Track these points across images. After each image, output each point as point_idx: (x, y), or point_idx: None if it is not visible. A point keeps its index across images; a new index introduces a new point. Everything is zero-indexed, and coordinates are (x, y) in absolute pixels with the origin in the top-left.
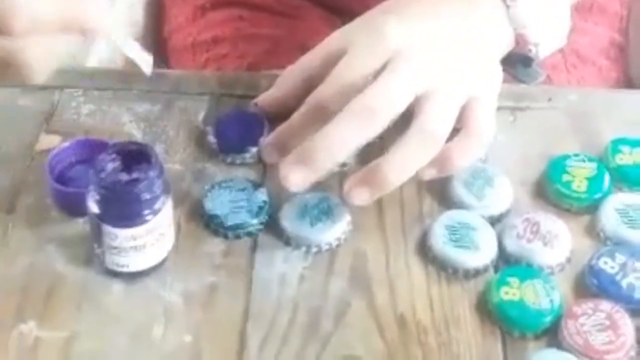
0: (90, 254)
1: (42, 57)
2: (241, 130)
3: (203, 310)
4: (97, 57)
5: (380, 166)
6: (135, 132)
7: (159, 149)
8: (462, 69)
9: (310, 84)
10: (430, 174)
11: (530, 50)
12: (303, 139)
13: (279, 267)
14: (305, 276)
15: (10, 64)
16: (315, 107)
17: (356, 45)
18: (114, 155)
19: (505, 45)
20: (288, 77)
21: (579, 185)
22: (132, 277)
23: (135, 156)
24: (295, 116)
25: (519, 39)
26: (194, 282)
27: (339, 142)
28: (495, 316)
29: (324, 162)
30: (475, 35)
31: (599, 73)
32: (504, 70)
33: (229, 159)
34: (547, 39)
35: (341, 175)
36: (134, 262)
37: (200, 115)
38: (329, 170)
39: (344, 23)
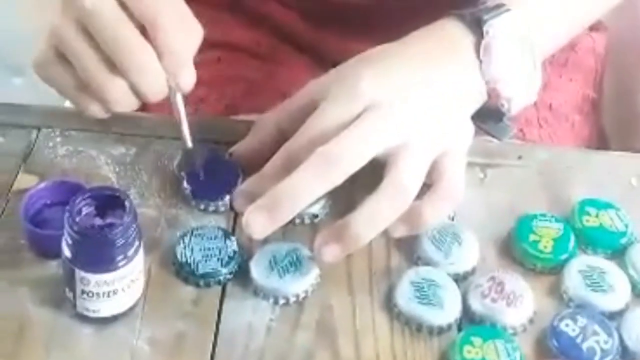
0: (62, 297)
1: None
2: (215, 178)
3: (170, 358)
4: None
5: (351, 222)
6: (111, 175)
7: (133, 193)
8: (435, 124)
9: (284, 133)
10: (400, 232)
11: (502, 105)
12: None
13: (247, 317)
14: (272, 327)
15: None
16: (286, 158)
17: (331, 96)
18: (88, 200)
19: (478, 100)
20: (263, 127)
21: (545, 245)
22: (102, 322)
23: (109, 201)
24: (267, 166)
25: (492, 94)
26: (162, 330)
27: (302, 189)
28: None
29: (286, 210)
30: (449, 89)
31: (571, 129)
32: (474, 125)
33: (201, 206)
34: (520, 94)
35: (312, 227)
36: (104, 308)
37: (176, 160)
38: (291, 217)
39: (325, 71)
